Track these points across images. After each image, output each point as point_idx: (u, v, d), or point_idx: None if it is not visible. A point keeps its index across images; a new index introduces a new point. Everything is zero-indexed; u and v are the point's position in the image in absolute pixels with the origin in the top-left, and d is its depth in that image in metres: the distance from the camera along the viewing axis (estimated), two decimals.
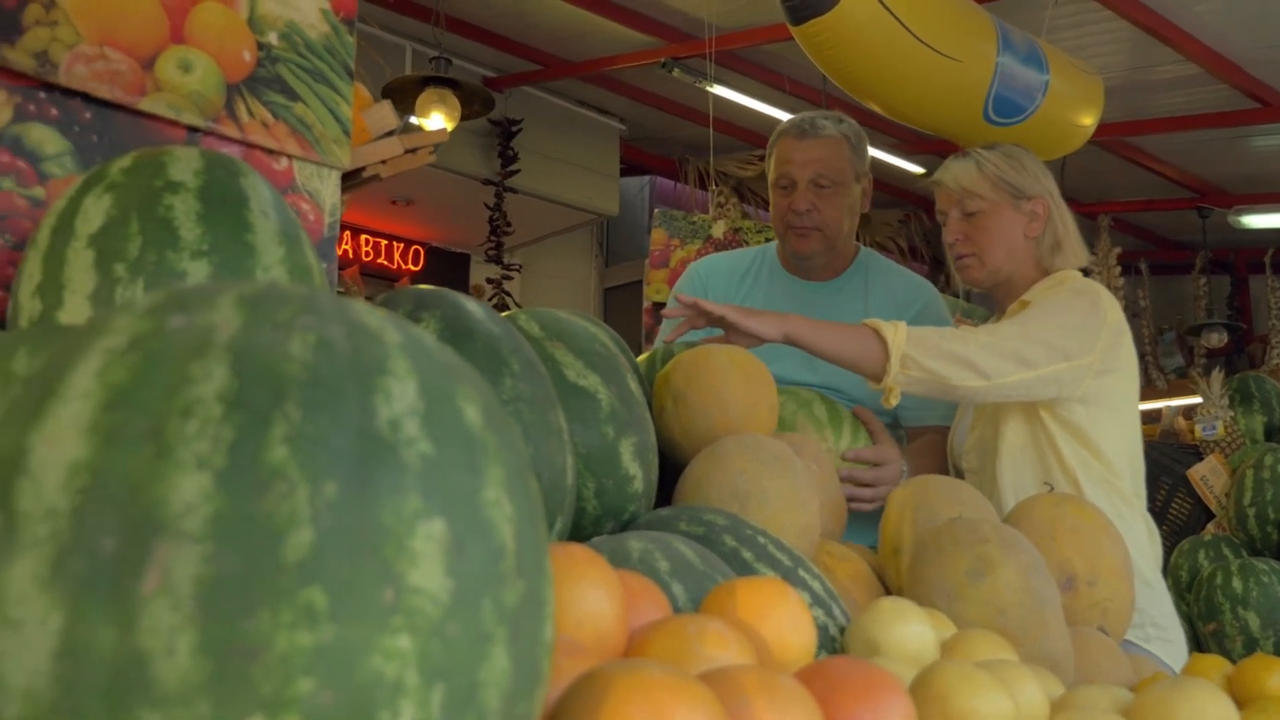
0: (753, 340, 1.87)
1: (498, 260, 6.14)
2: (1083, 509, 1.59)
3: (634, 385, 1.36)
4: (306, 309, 0.48)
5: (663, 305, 5.22)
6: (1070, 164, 6.33)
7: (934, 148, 6.05)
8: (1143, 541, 2.09)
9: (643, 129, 7.21)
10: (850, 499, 1.81)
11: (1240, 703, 1.33)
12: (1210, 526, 3.44)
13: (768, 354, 2.32)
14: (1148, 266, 8.01)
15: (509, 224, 6.10)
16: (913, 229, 7.72)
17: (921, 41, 2.93)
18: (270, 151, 1.21)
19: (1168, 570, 3.20)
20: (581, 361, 1.31)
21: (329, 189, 1.24)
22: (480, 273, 7.10)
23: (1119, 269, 7.02)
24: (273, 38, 1.21)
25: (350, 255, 7.03)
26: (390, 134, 1.47)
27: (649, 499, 1.34)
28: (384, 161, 1.29)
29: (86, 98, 1.09)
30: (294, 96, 1.22)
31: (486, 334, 1.03)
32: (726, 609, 0.90)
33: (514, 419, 1.00)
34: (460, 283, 7.43)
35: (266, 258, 0.90)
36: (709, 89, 5.23)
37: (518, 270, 6.15)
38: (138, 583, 0.40)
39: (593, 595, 0.77)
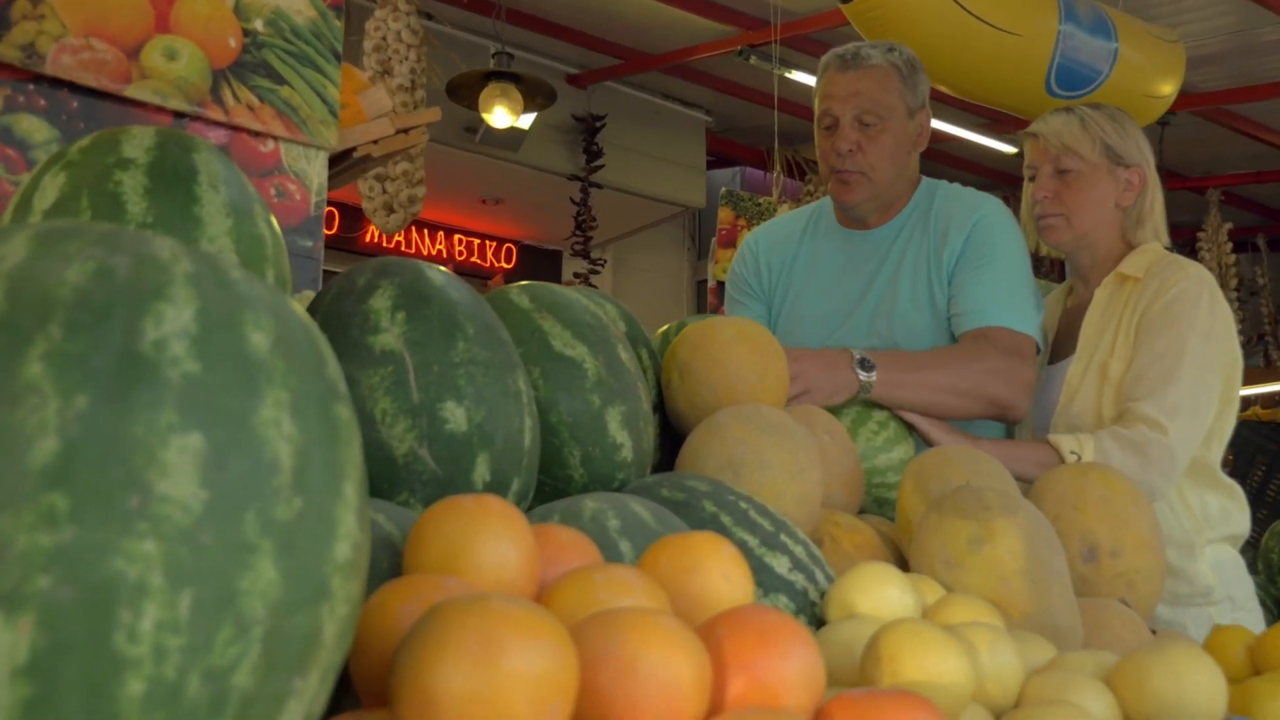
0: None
1: (584, 255, 6.21)
2: (1110, 478, 1.54)
3: (625, 355, 1.37)
4: (99, 242, 0.50)
5: None
6: (1171, 137, 6.09)
7: (1025, 125, 5.88)
8: (1233, 515, 2.00)
9: (729, 120, 7.20)
10: None
11: (1260, 672, 1.27)
12: None
13: (837, 317, 2.23)
14: (1265, 241, 7.63)
15: (594, 219, 6.16)
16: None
17: (974, 15, 2.86)
18: (257, 134, 1.25)
19: (1259, 553, 3.06)
20: (569, 332, 1.32)
21: (316, 169, 1.28)
22: (572, 268, 7.19)
23: (1230, 245, 6.71)
24: (259, 24, 1.26)
25: (444, 255, 7.20)
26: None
27: (641, 468, 1.34)
28: (376, 142, 1.33)
29: (74, 88, 1.15)
30: (280, 80, 1.27)
31: (443, 300, 1.06)
32: (659, 562, 0.90)
33: (466, 381, 1.02)
34: (553, 278, 7.52)
35: (212, 228, 0.94)
36: (783, 74, 5.19)
37: (603, 265, 6.20)
38: None
39: (495, 543, 0.78)
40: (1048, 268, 6.72)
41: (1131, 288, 1.96)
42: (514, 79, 4.64)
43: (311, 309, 1.08)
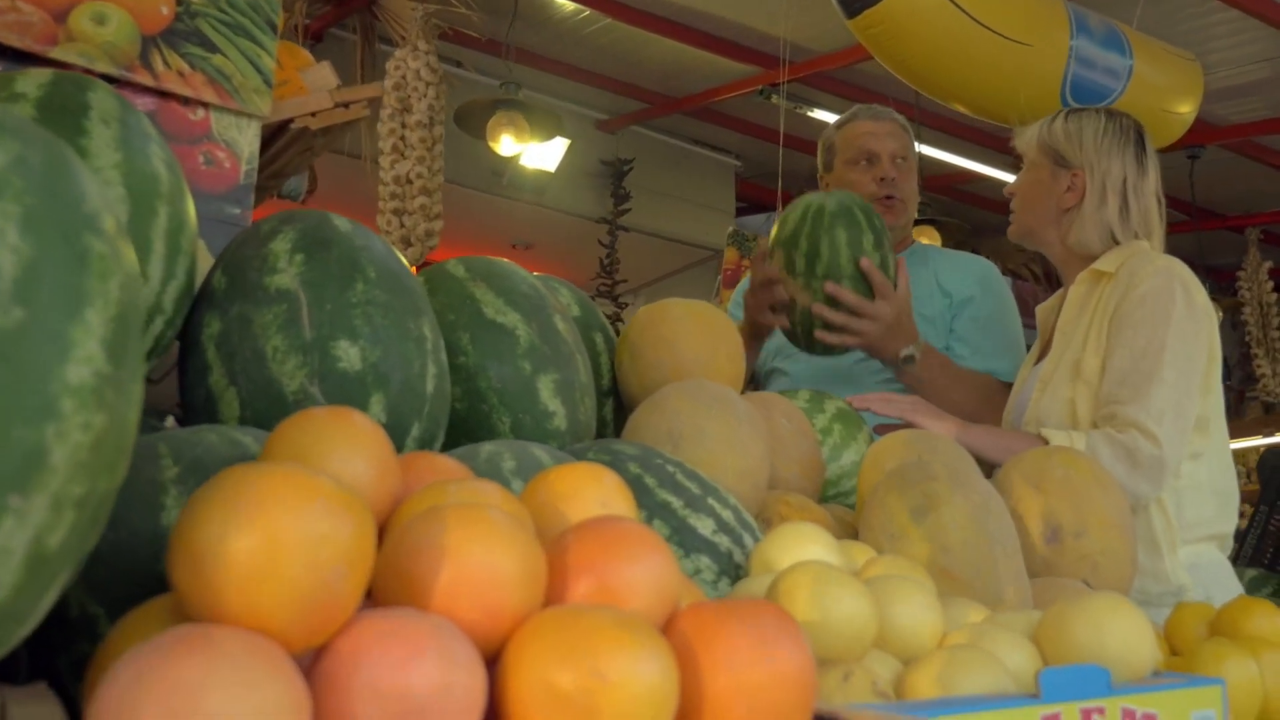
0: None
1: (610, 296, 6.22)
2: (1074, 459, 1.49)
3: (563, 326, 1.35)
4: None
5: None
6: (1202, 172, 5.99)
7: None
8: (1212, 513, 1.91)
9: (760, 165, 7.21)
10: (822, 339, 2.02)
11: None
12: None
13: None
14: None
15: (618, 260, 6.19)
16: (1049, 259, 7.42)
17: (982, 25, 2.84)
18: (187, 102, 1.27)
19: None
20: (502, 299, 1.31)
21: (247, 138, 1.29)
22: (602, 310, 7.19)
23: (1271, 284, 6.55)
24: None
25: None
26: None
27: (576, 438, 1.32)
28: (314, 114, 1.33)
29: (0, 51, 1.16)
30: (213, 48, 1.28)
31: (345, 245, 1.05)
32: (538, 490, 0.88)
33: (363, 320, 1.01)
34: None
35: (99, 160, 0.94)
36: (805, 113, 5.20)
37: (625, 306, 6.21)
38: None
39: (345, 453, 0.76)
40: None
41: (1106, 283, 1.92)
42: (520, 108, 4.70)
43: (219, 257, 1.08)
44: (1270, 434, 6.92)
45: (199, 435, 0.85)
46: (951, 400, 2.07)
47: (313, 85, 1.41)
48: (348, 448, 0.77)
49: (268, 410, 0.97)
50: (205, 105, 1.27)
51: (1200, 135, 5.40)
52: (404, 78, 4.32)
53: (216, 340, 1.00)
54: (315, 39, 5.23)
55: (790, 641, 0.69)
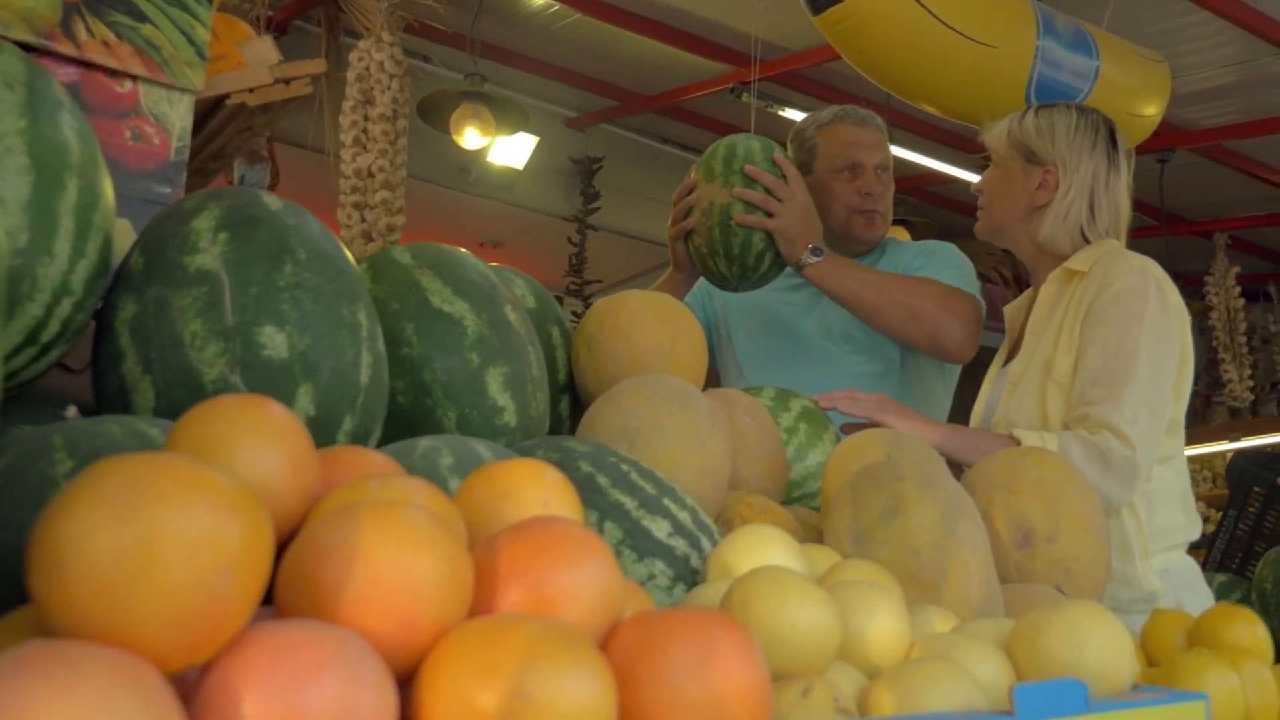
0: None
1: (580, 296, 6.15)
2: (1047, 460, 1.43)
3: (514, 317, 1.28)
4: None
5: None
6: (1172, 176, 5.99)
7: None
8: (1180, 520, 1.86)
9: None
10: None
11: None
12: None
13: (796, 305, 2.40)
14: (1278, 290, 7.47)
15: (587, 260, 6.12)
16: (1018, 259, 7.42)
17: (948, 26, 2.79)
18: (113, 74, 1.19)
19: (1253, 584, 2.91)
20: (449, 288, 1.24)
21: (179, 113, 1.21)
22: (571, 308, 7.14)
23: (1239, 290, 6.57)
24: None
25: None
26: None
27: (527, 434, 1.25)
28: (252, 90, 1.25)
29: None
30: (142, 17, 1.20)
31: (275, 224, 0.97)
32: (474, 489, 0.81)
33: (291, 305, 0.93)
34: None
35: (2, 126, 0.87)
36: (776, 112, 5.15)
37: (587, 304, 6.15)
38: None
39: (254, 445, 0.69)
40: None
41: (1078, 282, 1.86)
42: (486, 100, 4.62)
43: (139, 236, 1.00)
44: (1236, 439, 6.94)
45: (100, 426, 0.77)
46: (892, 298, 2.07)
47: (252, 60, 1.33)
48: (258, 440, 0.70)
49: (185, 401, 0.89)
50: (133, 78, 1.19)
51: (1170, 139, 5.40)
52: (367, 69, 4.23)
53: (131, 325, 0.92)
54: (280, 31, 5.13)
55: (741, 655, 0.63)
